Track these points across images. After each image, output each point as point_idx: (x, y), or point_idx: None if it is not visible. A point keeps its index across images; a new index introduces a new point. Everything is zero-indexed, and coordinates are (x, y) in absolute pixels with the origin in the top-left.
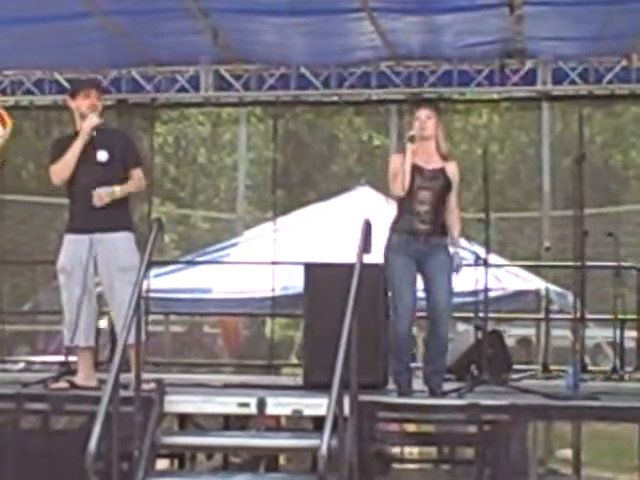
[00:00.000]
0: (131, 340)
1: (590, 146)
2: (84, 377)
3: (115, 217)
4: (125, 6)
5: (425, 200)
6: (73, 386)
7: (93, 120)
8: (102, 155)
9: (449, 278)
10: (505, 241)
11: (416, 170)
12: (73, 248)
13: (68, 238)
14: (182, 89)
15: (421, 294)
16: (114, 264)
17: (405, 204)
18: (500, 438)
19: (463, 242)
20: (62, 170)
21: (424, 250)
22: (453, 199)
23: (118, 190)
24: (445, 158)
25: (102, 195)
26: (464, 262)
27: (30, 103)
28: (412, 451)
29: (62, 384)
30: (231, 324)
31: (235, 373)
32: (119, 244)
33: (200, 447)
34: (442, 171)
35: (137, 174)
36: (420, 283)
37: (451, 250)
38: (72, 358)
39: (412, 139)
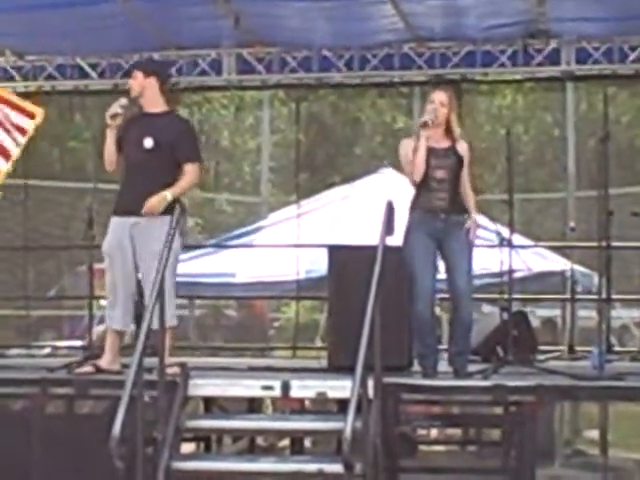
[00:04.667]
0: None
1: (615, 126)
2: (109, 361)
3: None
4: None
5: (442, 178)
6: (98, 370)
7: (110, 109)
8: (148, 142)
9: (469, 259)
10: (530, 222)
11: (429, 151)
12: (115, 231)
13: (112, 220)
14: (204, 73)
15: (442, 275)
16: (148, 249)
17: (423, 183)
18: (526, 419)
19: (486, 222)
20: (106, 159)
21: (443, 229)
22: (465, 177)
23: (169, 194)
24: (454, 138)
25: (152, 206)
26: (477, 233)
27: (52, 88)
28: (438, 433)
29: (87, 368)
30: (258, 308)
31: (260, 356)
32: (155, 229)
33: (224, 430)
34: (453, 149)
35: (189, 169)
36: (441, 264)
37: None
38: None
39: (425, 125)
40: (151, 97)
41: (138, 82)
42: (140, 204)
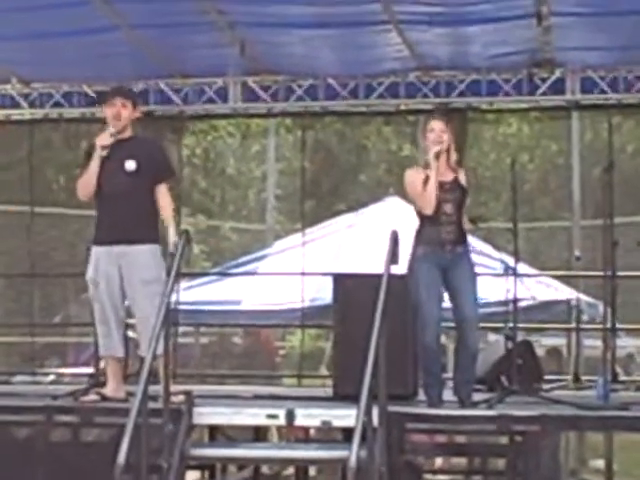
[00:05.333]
0: (159, 351)
1: (620, 155)
2: (113, 389)
3: (140, 229)
4: (152, 20)
5: (450, 212)
6: (103, 398)
7: (102, 139)
8: (130, 165)
9: (474, 288)
10: (535, 251)
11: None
12: (99, 260)
13: (95, 250)
14: (210, 100)
15: (447, 304)
16: (136, 277)
17: (430, 216)
18: (531, 449)
19: (491, 250)
20: (84, 187)
21: (449, 259)
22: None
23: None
24: (454, 169)
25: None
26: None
27: (59, 115)
28: (443, 462)
29: (92, 396)
30: (264, 336)
31: (265, 384)
32: (141, 257)
33: (229, 459)
34: (457, 181)
35: (160, 189)
36: (446, 294)
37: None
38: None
39: (437, 156)
40: (129, 126)
41: (129, 112)
42: (124, 231)
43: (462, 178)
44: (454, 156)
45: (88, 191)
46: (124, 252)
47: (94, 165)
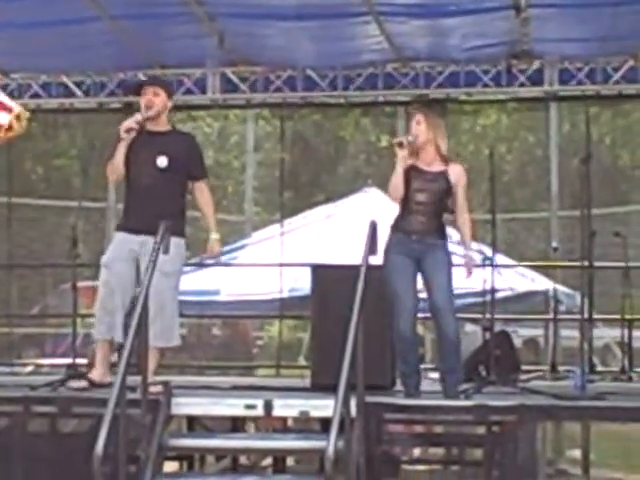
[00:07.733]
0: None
1: (598, 146)
2: (100, 374)
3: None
4: (132, 11)
5: (421, 201)
6: (91, 383)
7: (126, 123)
8: (162, 161)
9: (447, 276)
10: (514, 241)
11: (416, 172)
12: (122, 246)
13: (119, 236)
14: (189, 91)
15: (424, 294)
16: (158, 267)
17: (404, 205)
18: (508, 439)
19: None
20: (111, 172)
21: (420, 249)
22: (460, 201)
23: (216, 234)
24: (447, 161)
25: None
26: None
27: (37, 106)
28: (420, 452)
29: (81, 383)
30: (242, 326)
31: (244, 375)
32: None
33: (206, 449)
34: (443, 174)
35: (199, 187)
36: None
37: (462, 252)
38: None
39: (400, 145)
40: (163, 117)
41: (162, 100)
42: (151, 223)
43: (455, 171)
44: (443, 146)
45: (116, 176)
46: (146, 242)
47: (120, 150)
